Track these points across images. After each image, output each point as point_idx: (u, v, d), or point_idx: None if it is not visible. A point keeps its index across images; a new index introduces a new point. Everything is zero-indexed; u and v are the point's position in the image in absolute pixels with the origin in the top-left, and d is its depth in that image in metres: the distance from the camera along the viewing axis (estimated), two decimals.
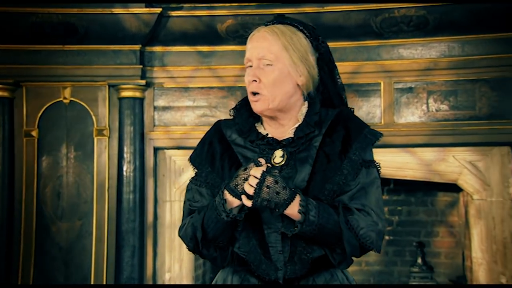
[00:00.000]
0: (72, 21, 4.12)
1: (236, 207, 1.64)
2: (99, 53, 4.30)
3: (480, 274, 4.17)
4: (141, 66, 4.29)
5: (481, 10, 3.99)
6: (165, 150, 4.37)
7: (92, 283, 4.22)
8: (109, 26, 4.16)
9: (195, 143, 4.39)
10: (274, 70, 1.71)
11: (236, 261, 1.76)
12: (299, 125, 1.75)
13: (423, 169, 4.20)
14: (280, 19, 1.77)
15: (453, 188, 4.53)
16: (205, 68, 4.30)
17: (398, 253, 5.07)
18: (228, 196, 1.65)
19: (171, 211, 4.34)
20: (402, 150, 4.15)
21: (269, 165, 1.64)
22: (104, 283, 4.21)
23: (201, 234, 1.70)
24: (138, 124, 4.30)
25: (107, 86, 4.32)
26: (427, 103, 4.14)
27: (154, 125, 4.36)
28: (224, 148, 1.79)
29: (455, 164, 4.16)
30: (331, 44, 4.42)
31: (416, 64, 4.13)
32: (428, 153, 4.17)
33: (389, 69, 4.18)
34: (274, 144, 1.75)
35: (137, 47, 4.28)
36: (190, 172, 4.39)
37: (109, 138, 4.32)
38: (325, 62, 1.79)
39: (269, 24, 1.77)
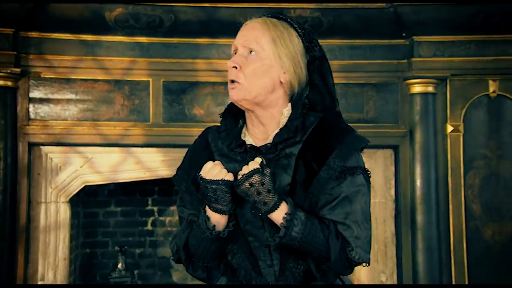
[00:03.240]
0: None
1: (220, 223, 1.58)
2: None
3: (362, 273, 4.27)
4: (14, 53, 3.86)
5: (369, 16, 4.09)
6: (41, 147, 3.97)
7: None
8: None
9: (76, 139, 4.08)
10: (256, 60, 1.61)
11: (230, 271, 1.68)
12: (280, 129, 1.62)
13: None
14: (277, 14, 1.70)
15: None
16: (90, 59, 3.96)
17: None
18: (209, 212, 1.58)
19: (47, 213, 3.96)
20: None
21: (260, 165, 1.54)
22: None
23: (185, 255, 1.65)
24: (10, 117, 3.88)
25: None
26: None
27: (29, 119, 3.94)
28: (206, 156, 1.66)
29: None
30: (226, 41, 4.26)
31: None
32: None
33: None
34: (253, 151, 1.63)
35: (10, 30, 3.85)
36: (68, 171, 4.07)
37: None
38: (316, 67, 1.67)
39: (264, 17, 1.69)
